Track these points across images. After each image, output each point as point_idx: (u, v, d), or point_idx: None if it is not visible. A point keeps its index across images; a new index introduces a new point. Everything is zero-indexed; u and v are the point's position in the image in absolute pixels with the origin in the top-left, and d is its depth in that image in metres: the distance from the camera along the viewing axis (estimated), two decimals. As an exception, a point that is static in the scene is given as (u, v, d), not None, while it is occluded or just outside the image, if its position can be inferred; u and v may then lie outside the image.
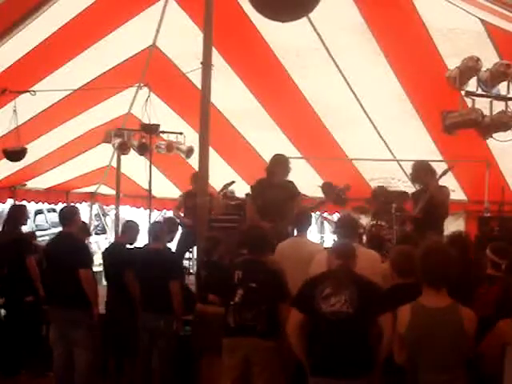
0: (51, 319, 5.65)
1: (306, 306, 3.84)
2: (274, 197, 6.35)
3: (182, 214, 8.58)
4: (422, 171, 6.53)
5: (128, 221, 6.52)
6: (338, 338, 3.71)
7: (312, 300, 3.77)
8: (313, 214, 6.71)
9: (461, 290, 3.58)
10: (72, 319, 5.30)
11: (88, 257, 5.51)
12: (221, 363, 4.53)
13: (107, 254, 6.15)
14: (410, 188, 7.65)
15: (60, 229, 5.75)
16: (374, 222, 7.38)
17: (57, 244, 5.58)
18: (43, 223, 15.58)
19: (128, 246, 6.05)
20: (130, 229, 6.09)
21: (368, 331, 3.77)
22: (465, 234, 4.85)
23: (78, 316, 5.30)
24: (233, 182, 7.79)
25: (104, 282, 6.78)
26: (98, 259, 6.91)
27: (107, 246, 7.63)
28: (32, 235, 8.53)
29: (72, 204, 9.52)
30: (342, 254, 3.97)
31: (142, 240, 6.26)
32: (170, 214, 8.88)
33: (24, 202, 10.70)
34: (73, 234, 5.57)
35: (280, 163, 6.65)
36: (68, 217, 5.59)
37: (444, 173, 6.49)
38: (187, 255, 8.48)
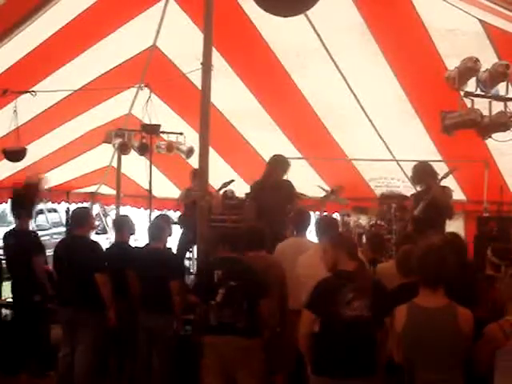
0: (60, 320, 5.67)
1: (322, 310, 3.78)
2: (271, 198, 6.37)
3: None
4: (423, 172, 6.56)
5: (119, 217, 6.51)
6: (354, 341, 3.71)
7: (331, 304, 3.71)
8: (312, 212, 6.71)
9: (463, 292, 3.59)
10: (83, 321, 5.34)
11: (104, 261, 5.52)
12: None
13: (109, 254, 6.16)
14: (409, 188, 7.68)
15: (60, 229, 5.76)
16: (374, 222, 7.41)
17: (71, 246, 5.58)
18: (44, 223, 15.60)
19: (130, 243, 6.07)
20: (123, 224, 6.09)
21: (377, 332, 3.78)
22: (459, 235, 4.84)
23: (89, 318, 5.33)
24: (232, 180, 7.80)
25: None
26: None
27: (109, 245, 7.63)
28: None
29: (85, 205, 9.53)
30: (356, 255, 3.93)
31: (142, 240, 6.28)
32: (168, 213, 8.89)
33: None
34: (86, 236, 5.59)
35: (278, 164, 6.66)
36: (81, 219, 5.61)
37: (446, 175, 6.52)
38: (187, 255, 8.50)
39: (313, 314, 3.82)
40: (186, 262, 8.51)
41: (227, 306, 4.42)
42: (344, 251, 3.92)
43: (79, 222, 5.58)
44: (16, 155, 7.85)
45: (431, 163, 6.78)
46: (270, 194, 6.47)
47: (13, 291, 6.47)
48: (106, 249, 6.31)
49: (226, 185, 7.35)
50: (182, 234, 8.41)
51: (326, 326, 3.78)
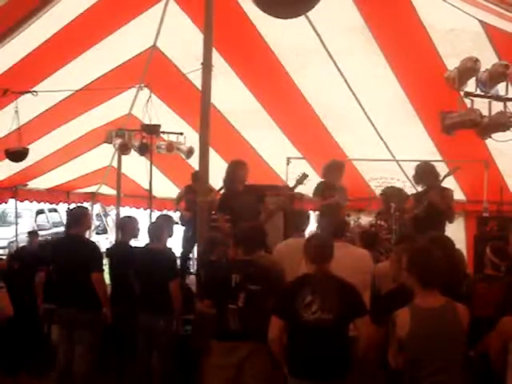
0: (58, 320, 5.67)
1: (286, 314, 3.81)
2: (240, 205, 6.31)
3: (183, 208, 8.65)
4: (423, 173, 6.56)
5: (123, 217, 6.51)
6: (318, 344, 3.72)
7: (292, 308, 3.74)
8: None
9: (449, 289, 3.61)
10: (80, 320, 5.33)
11: (100, 260, 5.51)
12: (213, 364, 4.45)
13: (112, 254, 6.17)
14: (410, 188, 7.68)
15: (61, 228, 5.76)
16: (374, 222, 7.42)
17: (67, 246, 5.57)
18: (44, 223, 15.64)
19: (131, 243, 6.07)
20: (128, 224, 6.09)
21: (347, 333, 3.78)
22: (449, 237, 4.85)
23: (87, 317, 5.32)
24: None
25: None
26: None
27: (112, 245, 7.63)
28: (34, 234, 8.60)
29: (80, 204, 9.54)
30: (317, 257, 3.87)
31: (142, 240, 6.28)
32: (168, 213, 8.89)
33: (26, 202, 10.81)
34: (82, 235, 5.59)
35: (239, 168, 6.58)
36: (77, 218, 5.59)
37: (448, 174, 6.53)
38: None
39: (279, 318, 3.84)
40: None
41: (249, 311, 4.26)
42: (306, 254, 3.93)
43: (76, 221, 5.57)
44: (18, 155, 7.87)
45: (432, 163, 6.79)
46: (238, 201, 6.42)
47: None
48: (108, 249, 6.31)
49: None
50: (185, 232, 8.41)
51: (291, 329, 3.81)
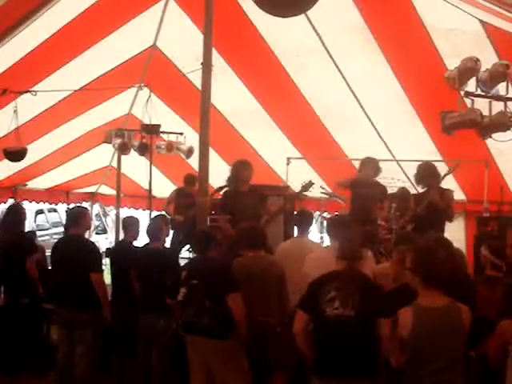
0: (58, 320, 5.66)
1: (310, 308, 3.86)
2: (243, 205, 6.29)
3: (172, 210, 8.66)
4: (424, 173, 6.56)
5: (127, 217, 6.52)
6: (341, 340, 3.73)
7: (316, 302, 3.79)
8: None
9: (451, 290, 3.61)
10: (80, 320, 5.32)
11: (100, 260, 5.51)
12: None
13: (113, 254, 6.16)
14: (410, 188, 7.67)
15: (60, 229, 5.75)
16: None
17: (66, 246, 5.56)
18: (44, 223, 15.61)
19: (133, 243, 6.07)
20: (131, 225, 6.10)
21: (372, 332, 3.76)
22: (448, 239, 4.85)
23: (87, 317, 5.31)
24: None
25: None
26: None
27: (113, 244, 7.61)
28: (33, 235, 8.57)
29: (79, 204, 9.53)
30: (348, 254, 3.95)
31: (142, 240, 6.28)
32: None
33: (25, 202, 10.79)
34: (82, 236, 5.58)
35: (244, 168, 6.55)
36: (76, 218, 5.58)
37: (447, 173, 6.52)
38: (188, 255, 8.50)
39: (303, 312, 3.90)
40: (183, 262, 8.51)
41: (189, 305, 4.45)
42: (337, 250, 4.03)
43: (75, 221, 5.57)
44: (17, 155, 7.87)
45: (434, 164, 6.79)
46: (241, 201, 6.40)
47: (4, 293, 6.49)
48: (108, 249, 6.29)
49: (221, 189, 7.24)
50: (174, 234, 8.41)
51: (315, 324, 3.86)
